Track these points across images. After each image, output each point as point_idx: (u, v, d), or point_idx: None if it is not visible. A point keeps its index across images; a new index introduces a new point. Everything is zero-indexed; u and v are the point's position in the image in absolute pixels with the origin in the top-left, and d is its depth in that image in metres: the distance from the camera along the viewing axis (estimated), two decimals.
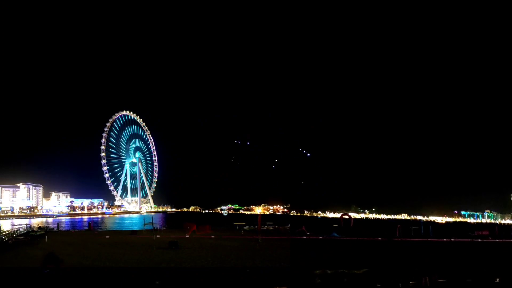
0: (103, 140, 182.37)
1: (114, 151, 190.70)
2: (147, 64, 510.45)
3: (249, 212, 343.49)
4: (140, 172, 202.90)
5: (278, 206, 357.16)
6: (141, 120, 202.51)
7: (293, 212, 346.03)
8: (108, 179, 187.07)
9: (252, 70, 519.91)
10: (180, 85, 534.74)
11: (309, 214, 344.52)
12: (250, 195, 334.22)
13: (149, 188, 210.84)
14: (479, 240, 46.16)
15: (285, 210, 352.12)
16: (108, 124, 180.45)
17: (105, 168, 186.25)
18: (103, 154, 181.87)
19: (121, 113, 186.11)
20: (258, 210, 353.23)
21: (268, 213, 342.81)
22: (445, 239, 45.81)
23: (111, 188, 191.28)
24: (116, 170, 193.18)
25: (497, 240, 47.32)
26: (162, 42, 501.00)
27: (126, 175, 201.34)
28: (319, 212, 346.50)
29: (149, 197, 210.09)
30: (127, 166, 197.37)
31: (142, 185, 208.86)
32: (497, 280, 25.05)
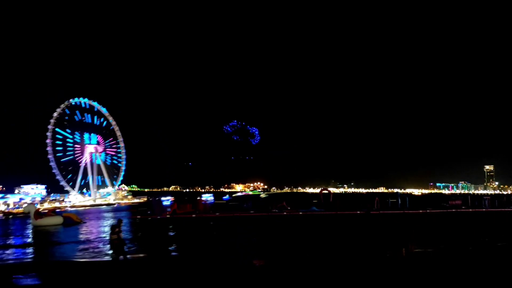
0: (50, 126, 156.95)
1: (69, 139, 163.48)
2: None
3: (229, 190, 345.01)
4: (96, 160, 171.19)
5: (259, 183, 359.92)
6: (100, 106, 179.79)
7: (273, 189, 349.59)
8: (55, 168, 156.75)
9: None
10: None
11: (289, 190, 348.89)
12: (232, 173, 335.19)
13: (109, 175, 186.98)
14: (453, 210, 47.55)
15: (266, 187, 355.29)
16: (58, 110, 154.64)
17: (51, 158, 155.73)
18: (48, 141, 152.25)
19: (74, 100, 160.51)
20: (239, 187, 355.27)
21: (249, 190, 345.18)
22: (421, 211, 47.03)
23: (59, 177, 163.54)
24: (76, 160, 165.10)
25: (470, 210, 48.92)
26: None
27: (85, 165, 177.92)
28: (299, 188, 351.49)
29: (109, 185, 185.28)
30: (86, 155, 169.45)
31: (100, 173, 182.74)
32: (470, 248, 25.98)
